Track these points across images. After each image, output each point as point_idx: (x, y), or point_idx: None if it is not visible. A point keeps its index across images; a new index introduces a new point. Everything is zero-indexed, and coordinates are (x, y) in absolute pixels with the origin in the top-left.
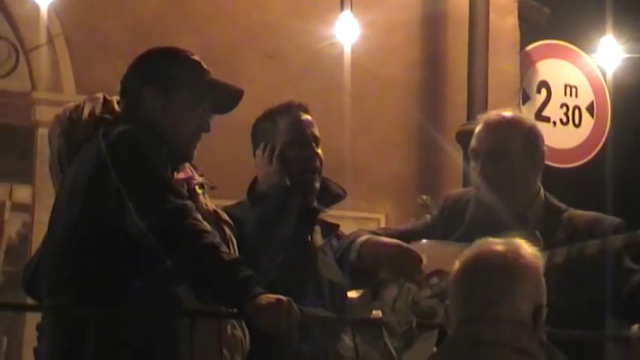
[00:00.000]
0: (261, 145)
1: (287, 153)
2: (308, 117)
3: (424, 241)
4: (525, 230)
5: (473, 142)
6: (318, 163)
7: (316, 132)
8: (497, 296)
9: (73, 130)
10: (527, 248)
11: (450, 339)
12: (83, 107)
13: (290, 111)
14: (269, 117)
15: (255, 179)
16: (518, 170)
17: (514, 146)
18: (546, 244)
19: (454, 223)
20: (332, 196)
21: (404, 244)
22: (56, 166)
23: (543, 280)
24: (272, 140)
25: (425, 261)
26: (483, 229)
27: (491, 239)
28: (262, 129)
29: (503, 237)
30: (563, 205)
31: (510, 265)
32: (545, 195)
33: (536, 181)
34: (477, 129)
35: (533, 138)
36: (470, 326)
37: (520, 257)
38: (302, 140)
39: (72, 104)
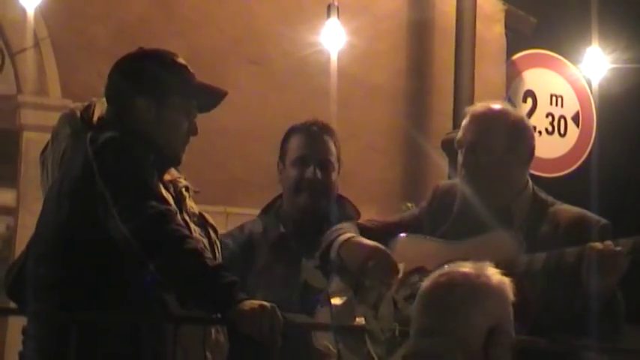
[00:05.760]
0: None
1: (290, 170)
2: (325, 137)
3: (408, 235)
4: (509, 229)
5: (459, 133)
6: (320, 185)
7: (330, 155)
8: (450, 313)
9: (84, 130)
10: (494, 272)
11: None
12: (94, 109)
13: (308, 128)
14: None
15: (280, 196)
16: (499, 164)
17: (496, 139)
18: (530, 237)
19: (442, 215)
20: (344, 217)
21: (381, 247)
22: (56, 164)
23: (508, 303)
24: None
25: (401, 268)
26: (469, 225)
27: (461, 262)
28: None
29: (487, 235)
30: (550, 199)
31: (471, 286)
32: (533, 188)
33: (523, 174)
34: (464, 120)
35: (518, 131)
36: (412, 340)
37: (486, 277)
38: (305, 159)
39: (79, 104)
